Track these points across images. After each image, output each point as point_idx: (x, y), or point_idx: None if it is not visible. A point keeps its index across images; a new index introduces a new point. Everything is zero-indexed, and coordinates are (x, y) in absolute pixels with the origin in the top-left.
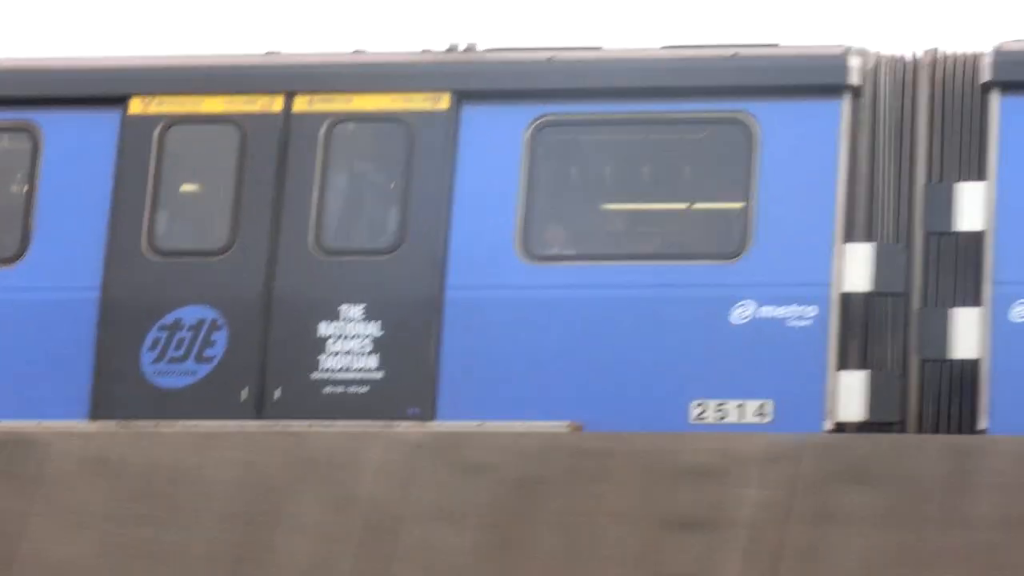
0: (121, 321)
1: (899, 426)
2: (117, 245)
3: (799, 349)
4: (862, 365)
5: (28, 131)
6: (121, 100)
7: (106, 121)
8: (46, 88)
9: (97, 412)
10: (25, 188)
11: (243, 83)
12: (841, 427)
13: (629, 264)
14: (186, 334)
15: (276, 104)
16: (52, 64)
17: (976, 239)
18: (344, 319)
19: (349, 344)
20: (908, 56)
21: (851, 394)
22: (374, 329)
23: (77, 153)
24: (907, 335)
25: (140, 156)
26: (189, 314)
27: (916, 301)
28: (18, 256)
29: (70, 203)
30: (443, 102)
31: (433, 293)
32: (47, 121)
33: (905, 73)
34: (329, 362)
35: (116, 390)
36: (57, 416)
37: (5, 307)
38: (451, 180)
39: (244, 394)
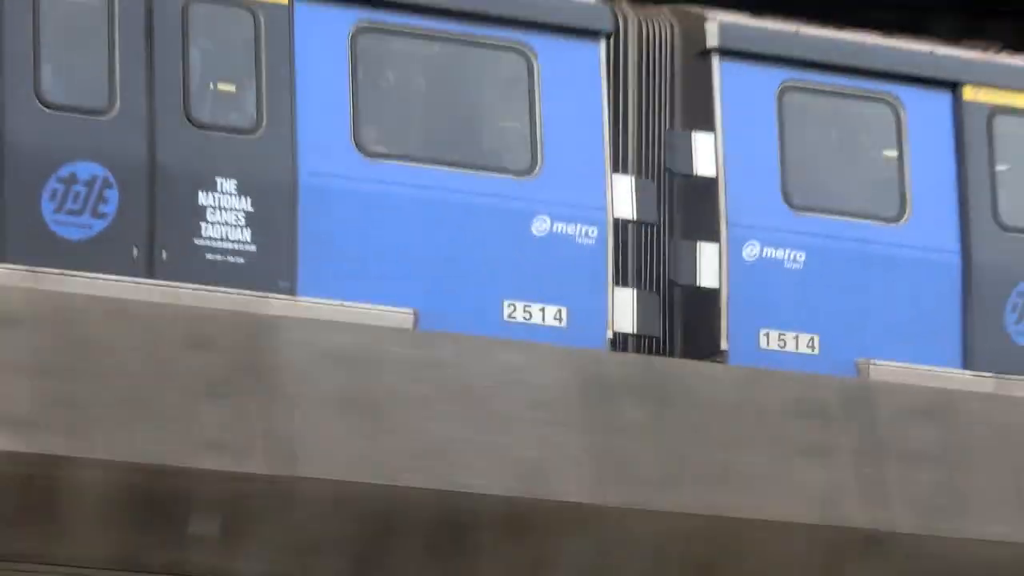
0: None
1: (661, 341)
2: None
3: (586, 264)
4: (632, 284)
5: None
6: None
7: None
8: None
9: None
10: None
11: None
12: (617, 337)
13: (449, 170)
14: (81, 188)
15: None
16: None
17: (711, 183)
18: (220, 191)
19: (225, 216)
20: (653, 11)
21: (624, 309)
22: (245, 204)
23: None
24: (665, 261)
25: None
26: (82, 169)
27: (669, 232)
28: None
29: None
30: None
31: (288, 177)
32: None
33: (650, 26)
34: (209, 230)
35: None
36: None
37: None
38: (292, 71)
39: (135, 253)
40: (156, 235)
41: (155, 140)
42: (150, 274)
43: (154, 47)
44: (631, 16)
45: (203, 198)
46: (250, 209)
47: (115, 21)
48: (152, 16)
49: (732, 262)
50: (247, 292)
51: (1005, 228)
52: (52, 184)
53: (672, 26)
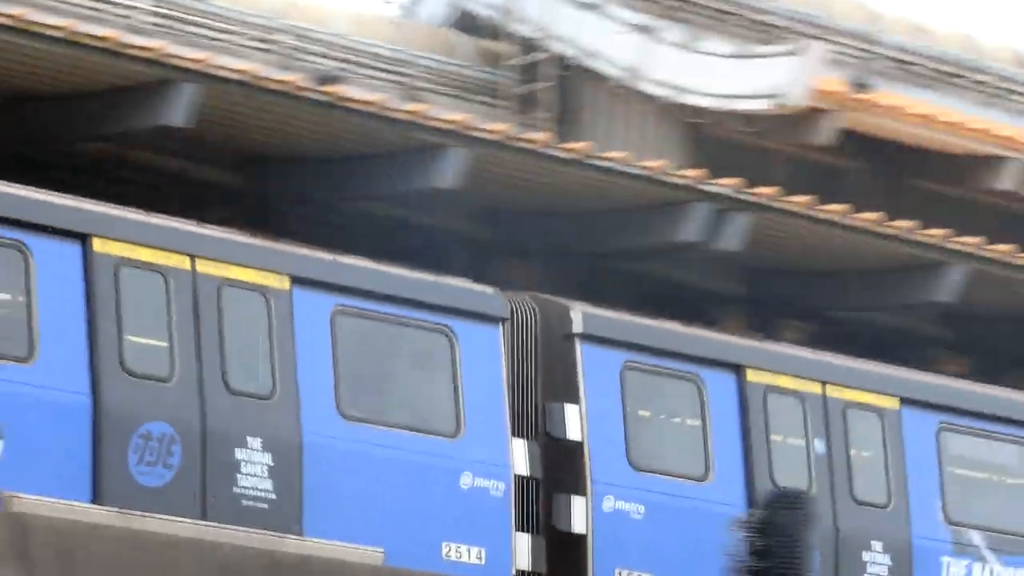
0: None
1: None
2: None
3: (497, 513)
4: (527, 529)
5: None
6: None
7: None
8: None
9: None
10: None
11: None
12: (521, 573)
13: (401, 432)
14: (155, 444)
15: (185, 263)
16: None
17: (578, 446)
18: (250, 448)
19: (254, 468)
20: (528, 300)
21: (523, 550)
22: (267, 459)
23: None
24: (549, 511)
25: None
26: (155, 428)
27: (552, 487)
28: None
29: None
30: (285, 282)
31: (295, 437)
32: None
33: (522, 313)
34: (243, 481)
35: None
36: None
37: None
38: (293, 345)
39: (193, 498)
40: (207, 484)
41: (204, 404)
42: (203, 516)
43: (199, 323)
44: (508, 303)
45: (238, 453)
46: (271, 464)
47: (171, 301)
48: (196, 297)
49: (595, 512)
50: (271, 533)
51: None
52: (135, 440)
53: (536, 312)
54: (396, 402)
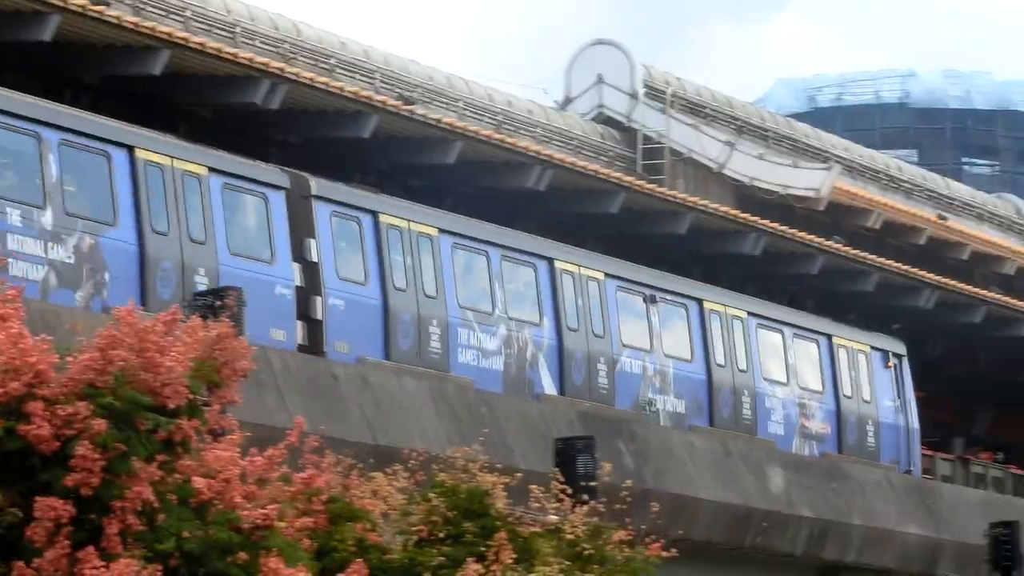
0: None
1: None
2: None
3: (290, 309)
4: (300, 318)
5: None
6: None
7: None
8: None
9: None
10: None
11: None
12: (299, 347)
13: (251, 261)
14: (165, 274)
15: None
16: None
17: (316, 265)
18: (200, 276)
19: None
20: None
21: (300, 332)
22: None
23: None
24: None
25: None
26: (166, 264)
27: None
28: None
29: None
30: (204, 170)
31: (215, 267)
32: None
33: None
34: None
35: None
36: None
37: None
38: (211, 208)
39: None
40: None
41: (182, 249)
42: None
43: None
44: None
45: (196, 279)
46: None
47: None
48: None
49: (326, 306)
50: None
51: None
52: (159, 272)
53: (288, 179)
54: (247, 241)
